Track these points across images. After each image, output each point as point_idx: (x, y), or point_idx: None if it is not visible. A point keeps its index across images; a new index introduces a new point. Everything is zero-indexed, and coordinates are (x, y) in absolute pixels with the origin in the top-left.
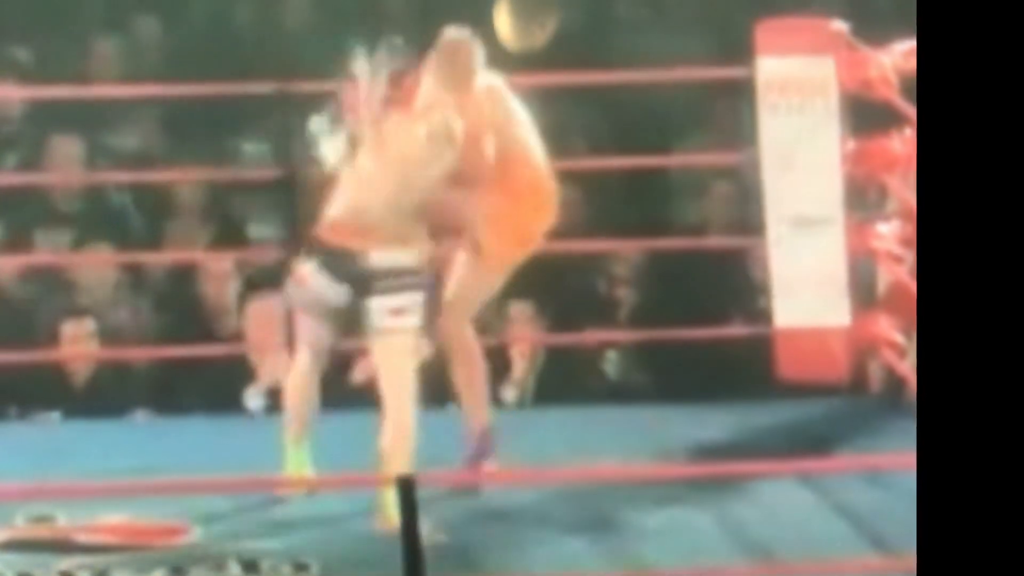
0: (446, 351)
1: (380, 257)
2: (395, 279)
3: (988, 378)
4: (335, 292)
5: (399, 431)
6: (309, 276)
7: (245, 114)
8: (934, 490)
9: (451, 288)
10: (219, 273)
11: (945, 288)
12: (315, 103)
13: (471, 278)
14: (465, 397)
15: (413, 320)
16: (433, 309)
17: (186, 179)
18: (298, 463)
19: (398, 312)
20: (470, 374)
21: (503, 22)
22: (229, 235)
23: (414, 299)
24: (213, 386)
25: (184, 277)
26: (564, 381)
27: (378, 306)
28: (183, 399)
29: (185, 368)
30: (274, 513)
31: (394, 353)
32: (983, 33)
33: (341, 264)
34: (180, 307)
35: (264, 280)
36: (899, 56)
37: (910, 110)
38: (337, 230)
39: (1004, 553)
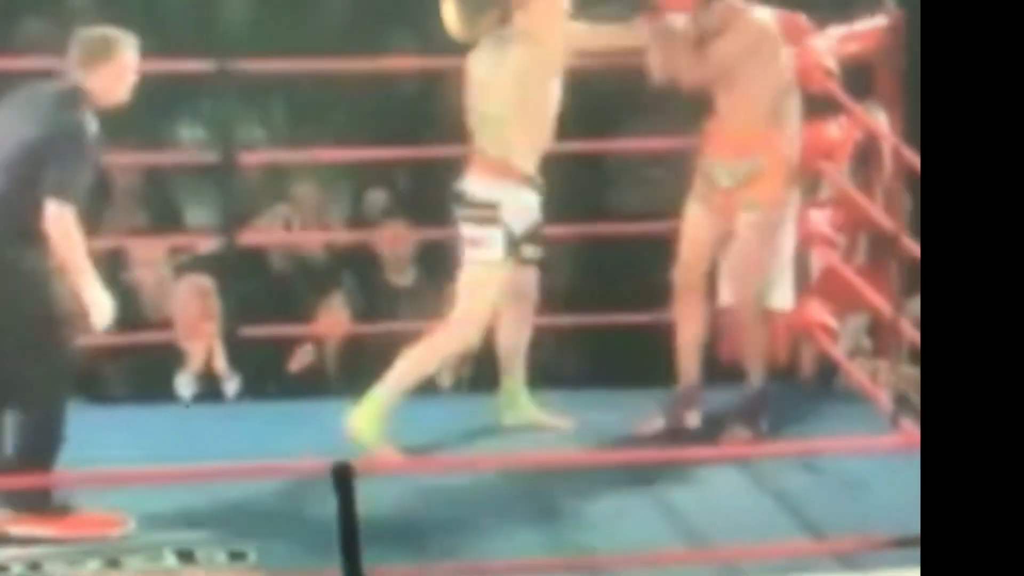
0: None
1: (472, 184)
2: (476, 209)
3: (991, 373)
4: None
5: (436, 347)
6: None
7: (182, 96)
8: (938, 481)
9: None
10: (151, 259)
11: (948, 283)
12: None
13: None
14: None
15: (492, 254)
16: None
17: (120, 163)
18: None
19: (475, 243)
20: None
21: (449, 12)
22: (164, 220)
23: (491, 234)
24: (144, 373)
25: (116, 263)
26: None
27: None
28: (114, 386)
29: (116, 355)
30: (210, 501)
31: (470, 283)
32: (986, 33)
33: None
34: (111, 293)
35: (194, 265)
36: (835, 42)
37: (845, 97)
38: None
39: (1006, 545)
